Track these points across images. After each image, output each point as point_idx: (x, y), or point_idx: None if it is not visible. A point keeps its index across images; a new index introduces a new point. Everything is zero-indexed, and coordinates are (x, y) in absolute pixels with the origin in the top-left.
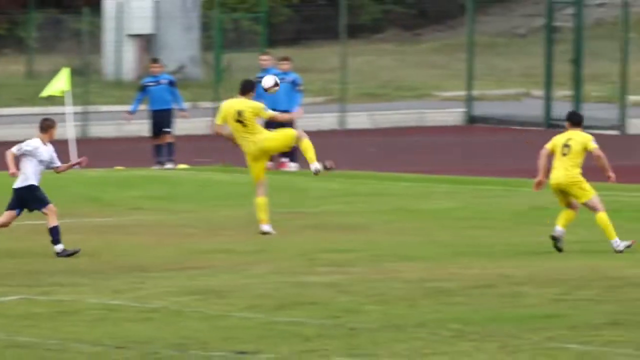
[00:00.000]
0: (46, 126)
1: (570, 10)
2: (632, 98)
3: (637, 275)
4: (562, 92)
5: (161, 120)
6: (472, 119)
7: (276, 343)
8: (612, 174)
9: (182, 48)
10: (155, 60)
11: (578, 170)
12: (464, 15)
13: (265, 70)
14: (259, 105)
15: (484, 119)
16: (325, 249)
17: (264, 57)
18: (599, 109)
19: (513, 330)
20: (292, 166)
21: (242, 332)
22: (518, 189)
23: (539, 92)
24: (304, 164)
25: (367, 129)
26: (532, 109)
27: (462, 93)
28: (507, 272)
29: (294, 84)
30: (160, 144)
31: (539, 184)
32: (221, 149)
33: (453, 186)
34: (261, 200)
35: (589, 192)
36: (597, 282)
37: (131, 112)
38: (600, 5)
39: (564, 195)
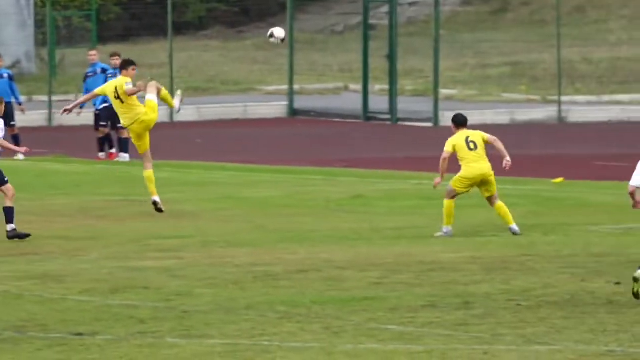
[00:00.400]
0: None
1: (384, 9)
2: (444, 92)
3: (450, 260)
4: (379, 87)
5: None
6: (293, 112)
7: (112, 325)
8: (509, 158)
9: (17, 44)
10: None
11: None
12: (285, 13)
13: (94, 65)
14: (123, 80)
15: (305, 112)
16: (157, 235)
17: (92, 52)
18: (413, 102)
19: (336, 312)
20: (124, 157)
21: (79, 315)
22: (337, 178)
23: (357, 86)
24: (135, 154)
25: (194, 121)
26: (350, 102)
27: (284, 87)
28: (330, 256)
29: None
30: None
31: (438, 184)
32: (56, 140)
33: (277, 175)
34: (148, 173)
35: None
36: (414, 266)
37: None
38: (413, 4)
39: (474, 185)
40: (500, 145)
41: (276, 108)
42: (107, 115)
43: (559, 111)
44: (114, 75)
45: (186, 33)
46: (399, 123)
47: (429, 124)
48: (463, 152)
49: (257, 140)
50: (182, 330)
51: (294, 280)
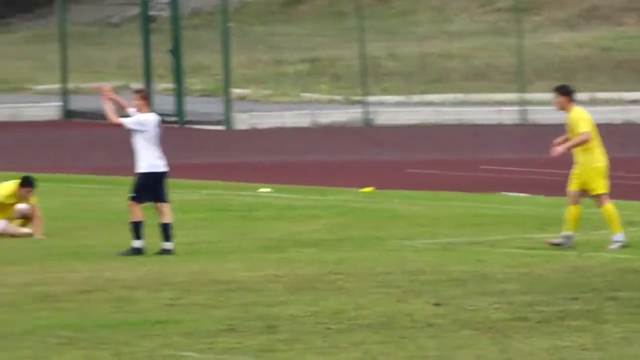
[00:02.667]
0: None
1: None
2: (236, 91)
3: (250, 279)
4: (163, 85)
5: None
6: (68, 114)
7: None
8: None
9: None
10: None
11: None
12: (53, 3)
13: None
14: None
15: (81, 114)
16: None
17: None
18: (202, 102)
19: (126, 337)
20: None
21: None
22: (120, 187)
23: (139, 84)
24: None
25: None
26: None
27: (57, 86)
28: (116, 275)
29: None
30: None
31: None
32: None
33: (52, 184)
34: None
35: None
36: (209, 285)
37: None
38: None
39: None
40: None
41: (49, 109)
42: None
43: (365, 112)
44: None
45: None
46: (187, 126)
47: (221, 127)
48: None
49: (28, 145)
50: None
51: (77, 301)
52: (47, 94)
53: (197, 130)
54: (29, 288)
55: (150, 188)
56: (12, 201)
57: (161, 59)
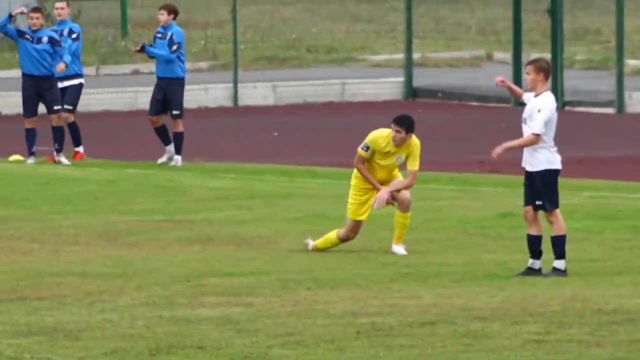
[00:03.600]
0: None
1: None
2: (630, 63)
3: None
4: (536, 55)
5: None
6: (413, 92)
7: None
8: None
9: None
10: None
11: None
12: None
13: (62, 23)
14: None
15: (430, 92)
16: (215, 270)
17: (60, 4)
18: (586, 77)
19: None
20: (176, 159)
21: None
22: (476, 188)
23: (504, 55)
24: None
25: (268, 105)
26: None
27: (399, 57)
28: (467, 302)
29: (172, 42)
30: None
31: None
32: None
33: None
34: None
35: None
36: (588, 317)
37: None
38: None
39: None
40: None
41: (388, 86)
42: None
43: None
44: (165, 37)
45: None
46: (566, 108)
47: (610, 109)
48: None
49: (359, 132)
50: None
51: (416, 336)
52: (386, 66)
53: (579, 114)
54: (354, 319)
55: (549, 188)
56: (387, 148)
57: (535, 21)
